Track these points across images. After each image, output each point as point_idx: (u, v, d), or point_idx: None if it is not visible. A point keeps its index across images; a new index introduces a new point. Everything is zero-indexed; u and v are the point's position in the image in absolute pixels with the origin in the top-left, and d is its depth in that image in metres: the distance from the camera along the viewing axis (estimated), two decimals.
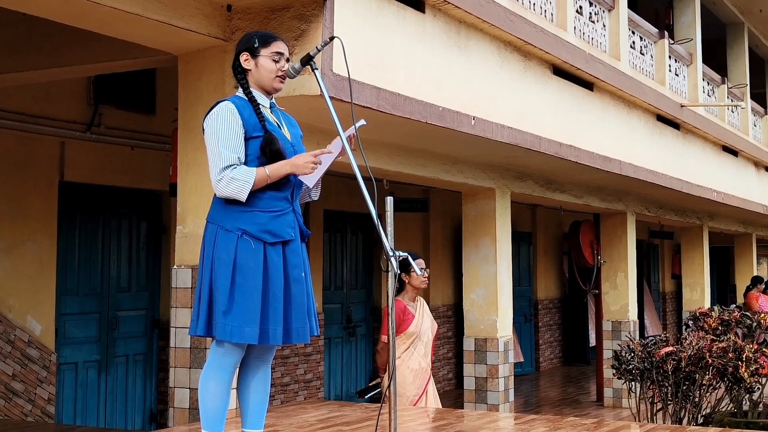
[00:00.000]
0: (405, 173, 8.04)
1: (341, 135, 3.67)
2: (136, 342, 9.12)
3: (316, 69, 3.79)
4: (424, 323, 6.41)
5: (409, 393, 6.30)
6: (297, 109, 4.81)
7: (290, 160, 3.68)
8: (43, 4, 5.13)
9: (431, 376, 6.51)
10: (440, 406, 6.63)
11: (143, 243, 9.25)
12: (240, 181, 3.61)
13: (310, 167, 3.67)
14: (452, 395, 12.86)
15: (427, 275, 6.40)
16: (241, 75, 3.83)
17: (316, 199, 4.00)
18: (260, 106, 3.76)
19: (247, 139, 3.68)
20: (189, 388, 5.75)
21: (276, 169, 3.66)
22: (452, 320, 13.88)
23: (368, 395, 6.78)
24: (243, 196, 3.63)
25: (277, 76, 3.82)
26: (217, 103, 3.77)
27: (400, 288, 6.43)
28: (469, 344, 9.30)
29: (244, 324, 3.58)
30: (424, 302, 6.56)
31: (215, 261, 3.64)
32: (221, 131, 3.66)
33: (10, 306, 7.80)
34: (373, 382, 6.79)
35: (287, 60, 3.86)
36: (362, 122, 3.77)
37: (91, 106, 8.49)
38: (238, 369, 3.83)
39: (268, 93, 3.87)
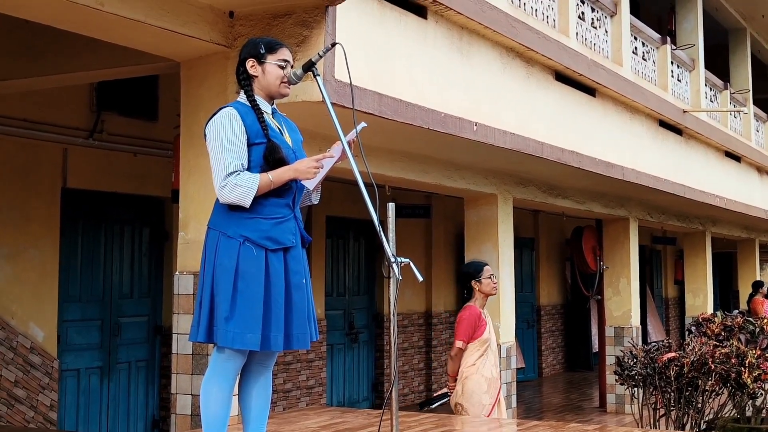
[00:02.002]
0: (407, 179, 8.04)
1: (342, 139, 3.67)
2: (138, 348, 9.11)
3: (318, 75, 3.79)
4: (492, 331, 6.27)
5: (485, 402, 6.09)
6: (299, 115, 4.82)
7: (292, 166, 3.69)
8: (46, 11, 5.14)
9: (500, 386, 6.33)
10: (506, 417, 6.42)
11: (145, 249, 9.25)
12: (244, 188, 3.61)
13: (312, 172, 3.67)
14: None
15: (496, 281, 6.32)
16: (245, 81, 3.83)
17: (316, 203, 4.00)
18: (263, 113, 3.76)
19: (249, 146, 3.68)
20: (191, 394, 5.74)
21: (279, 175, 3.66)
22: (455, 326, 13.84)
23: (435, 405, 6.55)
24: (247, 202, 3.62)
25: (283, 82, 3.82)
26: (220, 109, 3.77)
27: (468, 296, 6.29)
28: None
29: (246, 330, 3.58)
30: (487, 312, 6.40)
31: (217, 267, 3.64)
32: (225, 138, 3.66)
33: (13, 312, 7.80)
34: (438, 393, 6.49)
35: (291, 67, 3.87)
36: (363, 125, 3.77)
37: (94, 112, 8.50)
38: (239, 375, 3.83)
39: (271, 98, 3.87)
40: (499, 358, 9.08)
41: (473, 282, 6.22)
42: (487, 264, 6.39)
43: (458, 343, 6.12)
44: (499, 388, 6.24)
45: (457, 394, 6.14)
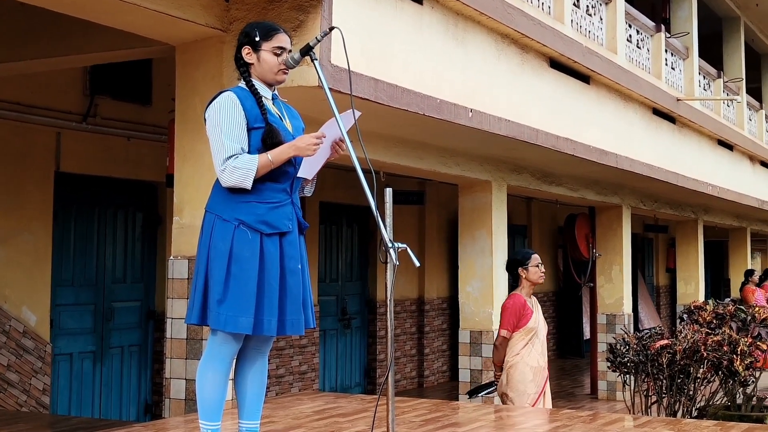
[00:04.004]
0: (402, 165, 8.03)
1: (339, 122, 3.64)
2: (131, 333, 9.11)
3: (316, 59, 3.77)
4: (540, 320, 6.21)
5: (530, 391, 6.03)
6: (294, 100, 4.79)
7: (292, 143, 3.66)
8: None
9: (548, 376, 6.27)
10: (551, 407, 6.32)
11: (139, 234, 9.23)
12: (243, 170, 3.60)
13: (312, 149, 3.65)
14: (447, 387, 12.89)
15: (543, 271, 6.25)
16: (243, 68, 3.82)
17: (309, 195, 3.98)
18: (262, 98, 3.75)
19: (248, 130, 3.67)
20: (185, 379, 5.74)
21: (278, 154, 3.65)
22: (447, 313, 13.91)
23: (481, 394, 6.52)
24: (248, 184, 3.61)
25: (280, 70, 3.80)
26: (219, 93, 3.76)
27: (515, 284, 6.27)
28: (464, 337, 9.30)
29: (239, 314, 3.57)
30: (536, 300, 6.35)
31: (211, 250, 3.64)
32: (224, 121, 3.65)
33: (6, 296, 7.78)
34: (485, 382, 6.48)
35: (289, 52, 3.84)
36: (358, 113, 3.75)
37: (87, 96, 8.47)
38: (235, 360, 3.82)
39: (270, 85, 3.85)
40: (492, 344, 9.11)
41: (520, 269, 6.20)
42: (535, 252, 6.32)
43: (503, 332, 6.08)
44: (546, 378, 6.19)
45: (502, 383, 6.10)
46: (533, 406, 6.06)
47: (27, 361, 7.87)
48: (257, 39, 3.77)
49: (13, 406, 7.68)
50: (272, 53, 3.77)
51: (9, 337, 7.74)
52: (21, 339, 7.83)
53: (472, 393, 6.70)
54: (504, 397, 6.14)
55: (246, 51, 3.79)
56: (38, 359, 7.96)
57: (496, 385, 6.21)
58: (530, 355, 6.08)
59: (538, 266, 6.20)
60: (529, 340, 6.10)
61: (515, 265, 6.27)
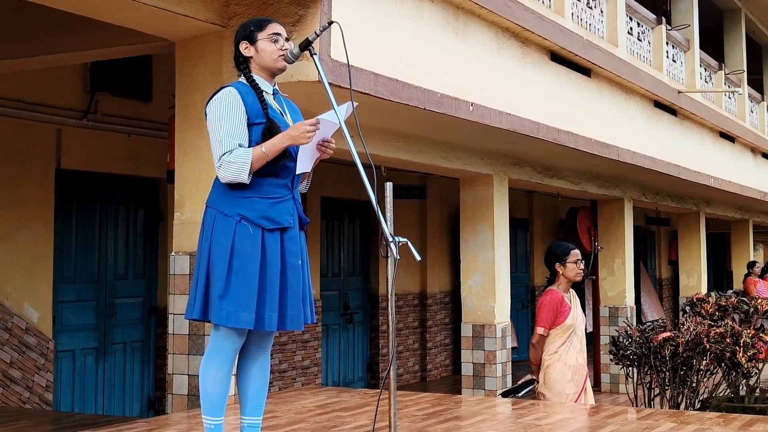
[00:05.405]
0: (403, 160, 8.02)
1: (338, 114, 3.63)
2: (133, 329, 9.12)
3: (315, 54, 3.75)
4: (578, 316, 5.98)
5: (569, 391, 5.86)
6: (294, 95, 4.79)
7: (286, 132, 3.65)
8: None
9: (587, 373, 6.10)
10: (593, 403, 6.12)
11: (140, 230, 9.24)
12: (237, 164, 3.60)
13: (307, 136, 3.62)
14: (450, 381, 12.89)
15: (582, 268, 6.01)
16: (243, 64, 3.81)
17: (304, 191, 3.97)
18: (263, 93, 3.74)
19: (249, 126, 3.66)
20: (188, 374, 5.75)
21: (273, 145, 3.63)
22: (450, 307, 13.91)
23: (522, 393, 6.23)
24: (244, 178, 3.60)
25: (280, 56, 3.80)
26: (220, 88, 3.75)
27: (552, 279, 6.09)
28: (466, 330, 9.31)
29: (240, 309, 3.57)
30: (575, 293, 6.12)
31: (213, 245, 3.63)
32: (224, 117, 3.64)
33: (8, 293, 7.79)
34: (523, 380, 6.13)
35: (287, 40, 3.83)
36: (355, 104, 3.73)
37: (88, 93, 8.47)
38: (237, 357, 3.82)
39: (271, 76, 3.85)
40: (495, 338, 9.13)
41: (557, 264, 5.98)
42: (575, 248, 6.08)
43: (539, 330, 5.88)
44: (585, 376, 6.00)
45: (541, 383, 5.94)
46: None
47: (30, 357, 7.87)
48: (252, 30, 3.79)
49: (16, 402, 7.69)
50: (269, 40, 3.77)
51: (11, 334, 7.75)
52: (23, 336, 7.84)
53: (508, 393, 6.53)
54: (541, 397, 5.97)
55: (244, 46, 3.80)
56: (41, 356, 7.97)
57: (536, 382, 6.02)
58: (568, 353, 5.88)
59: (576, 263, 5.96)
60: (567, 337, 5.89)
61: (553, 259, 6.04)
